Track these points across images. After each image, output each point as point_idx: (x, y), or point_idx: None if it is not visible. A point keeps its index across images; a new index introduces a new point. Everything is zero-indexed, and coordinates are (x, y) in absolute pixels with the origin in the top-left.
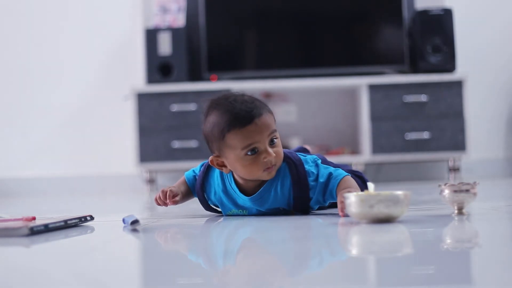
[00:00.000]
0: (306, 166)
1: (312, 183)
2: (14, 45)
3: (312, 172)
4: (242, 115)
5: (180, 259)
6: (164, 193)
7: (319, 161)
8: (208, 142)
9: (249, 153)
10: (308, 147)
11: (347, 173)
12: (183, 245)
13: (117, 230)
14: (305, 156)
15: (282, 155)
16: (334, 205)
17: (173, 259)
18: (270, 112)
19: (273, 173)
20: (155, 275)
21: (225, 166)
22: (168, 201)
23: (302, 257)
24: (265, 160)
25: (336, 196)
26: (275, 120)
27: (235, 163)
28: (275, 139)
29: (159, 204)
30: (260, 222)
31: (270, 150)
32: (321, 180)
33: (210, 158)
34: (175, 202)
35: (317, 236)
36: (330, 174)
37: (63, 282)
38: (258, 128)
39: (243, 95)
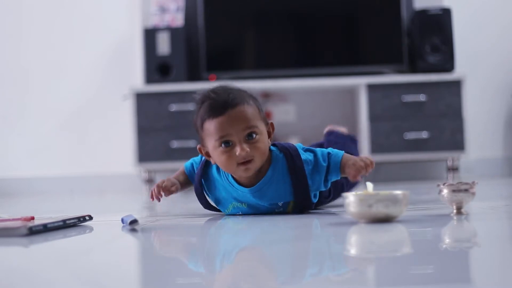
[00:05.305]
0: (302, 156)
1: (310, 171)
2: (13, 44)
3: (310, 160)
4: (216, 105)
5: (179, 259)
6: (159, 187)
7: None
8: (197, 133)
9: (222, 145)
10: (332, 128)
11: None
12: (182, 245)
13: (115, 230)
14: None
15: (262, 151)
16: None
17: (171, 259)
18: (253, 105)
19: (250, 171)
20: (154, 275)
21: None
22: (163, 193)
23: (301, 258)
24: (237, 154)
25: (340, 171)
26: (261, 114)
27: (213, 154)
28: (254, 134)
29: (153, 199)
30: (259, 222)
31: (243, 145)
32: (322, 161)
33: (198, 146)
34: (171, 192)
35: (316, 236)
36: (329, 153)
37: (62, 282)
38: (230, 120)
39: (230, 87)
